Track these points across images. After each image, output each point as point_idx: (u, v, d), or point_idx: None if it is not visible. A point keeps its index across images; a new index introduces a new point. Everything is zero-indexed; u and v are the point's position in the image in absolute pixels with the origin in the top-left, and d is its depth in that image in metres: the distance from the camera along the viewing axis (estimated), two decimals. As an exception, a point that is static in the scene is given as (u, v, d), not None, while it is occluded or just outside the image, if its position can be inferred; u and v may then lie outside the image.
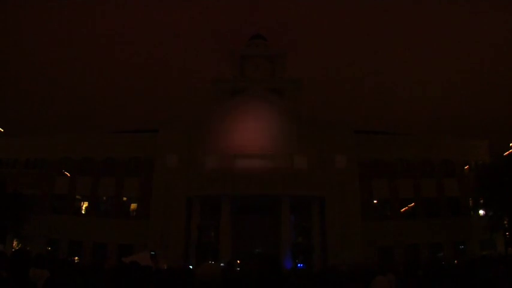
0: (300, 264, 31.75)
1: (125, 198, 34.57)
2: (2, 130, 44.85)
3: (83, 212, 35.30)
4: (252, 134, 32.89)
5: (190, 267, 22.73)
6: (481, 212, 31.94)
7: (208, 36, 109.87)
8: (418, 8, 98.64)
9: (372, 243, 30.75)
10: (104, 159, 35.74)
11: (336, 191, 31.42)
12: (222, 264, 27.98)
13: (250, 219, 31.62)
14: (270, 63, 38.54)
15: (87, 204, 35.12)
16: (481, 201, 31.49)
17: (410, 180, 34.18)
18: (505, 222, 29.34)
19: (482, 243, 32.73)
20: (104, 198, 34.82)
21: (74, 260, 31.40)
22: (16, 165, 36.89)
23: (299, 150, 32.32)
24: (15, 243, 33.45)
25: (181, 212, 31.59)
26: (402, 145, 35.48)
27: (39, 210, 34.06)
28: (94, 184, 34.67)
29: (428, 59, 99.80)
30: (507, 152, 37.86)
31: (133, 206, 34.73)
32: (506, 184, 27.57)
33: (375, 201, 34.29)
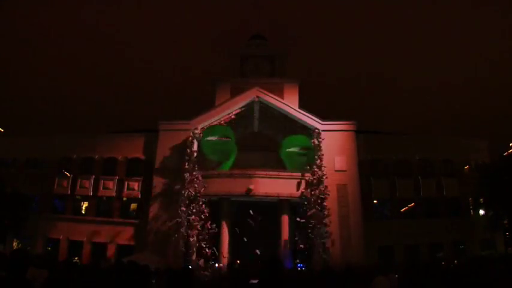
0: (300, 264, 31.68)
1: (124, 198, 34.51)
2: (2, 130, 44.82)
3: (83, 212, 35.26)
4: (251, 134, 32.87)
5: (190, 267, 22.72)
6: (481, 212, 31.86)
7: (209, 36, 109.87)
8: (418, 8, 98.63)
9: (372, 243, 30.67)
10: (104, 159, 35.73)
11: (335, 191, 31.32)
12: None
13: (250, 219, 31.53)
14: (270, 63, 38.45)
15: (87, 204, 35.08)
16: (481, 201, 31.43)
17: (410, 180, 34.12)
18: (505, 222, 29.30)
19: (482, 243, 32.67)
20: (104, 198, 34.74)
21: (74, 259, 31.41)
22: (16, 165, 36.86)
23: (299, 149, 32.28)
24: (15, 243, 33.42)
25: (181, 213, 31.48)
26: (402, 145, 35.39)
27: (39, 210, 34.08)
28: (94, 184, 34.63)
29: (429, 59, 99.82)
30: (507, 152, 37.80)
31: (133, 206, 34.66)
32: (506, 184, 27.51)
33: (375, 201, 34.22)
